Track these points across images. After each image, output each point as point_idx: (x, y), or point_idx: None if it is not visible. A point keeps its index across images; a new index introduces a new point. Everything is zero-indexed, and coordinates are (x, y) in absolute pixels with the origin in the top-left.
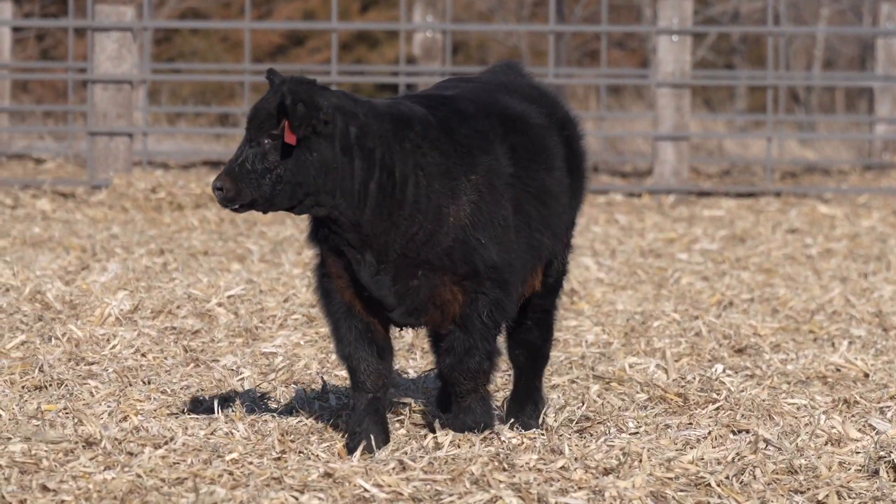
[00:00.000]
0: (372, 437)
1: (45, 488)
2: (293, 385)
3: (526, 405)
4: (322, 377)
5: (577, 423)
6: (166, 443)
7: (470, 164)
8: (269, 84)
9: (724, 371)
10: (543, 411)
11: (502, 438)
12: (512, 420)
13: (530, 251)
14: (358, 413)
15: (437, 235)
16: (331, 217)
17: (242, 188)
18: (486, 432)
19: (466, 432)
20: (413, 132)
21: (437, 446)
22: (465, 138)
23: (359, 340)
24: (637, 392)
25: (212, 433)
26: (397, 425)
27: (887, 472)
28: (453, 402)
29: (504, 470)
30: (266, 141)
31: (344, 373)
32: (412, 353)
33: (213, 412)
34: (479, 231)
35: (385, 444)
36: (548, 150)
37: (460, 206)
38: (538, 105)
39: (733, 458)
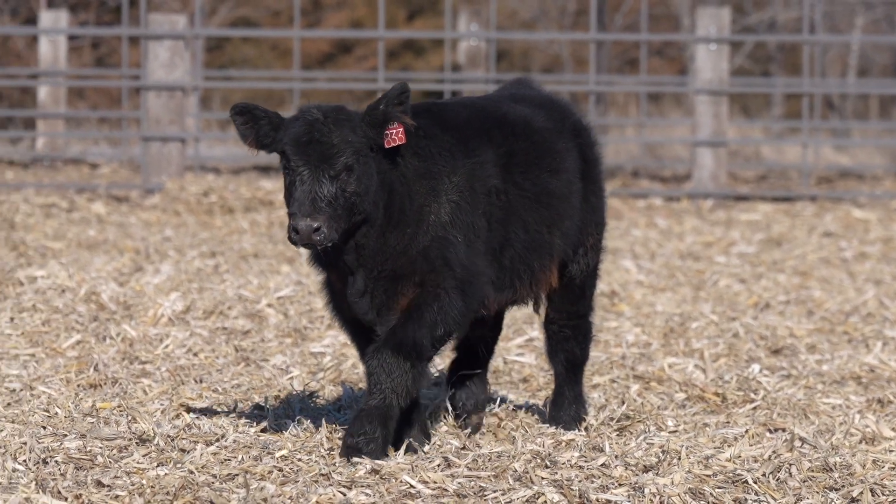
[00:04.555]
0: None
1: (99, 484)
2: (341, 384)
3: (567, 408)
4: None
5: (617, 421)
6: (217, 440)
7: (452, 166)
8: (246, 120)
9: (760, 371)
10: (585, 413)
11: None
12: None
13: (534, 251)
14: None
15: (416, 238)
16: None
17: (334, 225)
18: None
19: (352, 439)
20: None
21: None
22: (446, 142)
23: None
24: (676, 391)
25: (262, 430)
26: (441, 424)
27: None
28: (364, 396)
29: (546, 467)
30: (344, 174)
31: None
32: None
33: (263, 410)
34: (456, 230)
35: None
36: (554, 154)
37: (441, 204)
38: (547, 112)
39: (770, 456)
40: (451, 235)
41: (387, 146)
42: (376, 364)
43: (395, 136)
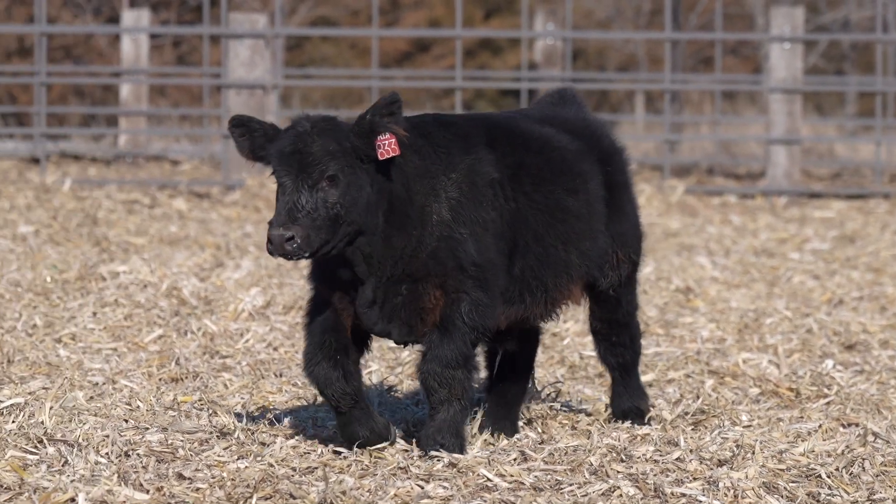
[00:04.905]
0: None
1: (180, 476)
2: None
3: (627, 401)
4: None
5: (692, 416)
6: (297, 433)
7: (449, 163)
8: (242, 132)
9: (834, 366)
10: (644, 404)
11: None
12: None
13: (548, 266)
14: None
15: (423, 240)
16: (346, 254)
17: (312, 236)
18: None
19: (429, 450)
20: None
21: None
22: (443, 140)
23: (328, 362)
24: (750, 386)
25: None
26: (521, 422)
27: None
28: (428, 411)
29: (622, 461)
30: (325, 184)
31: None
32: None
33: None
34: (461, 226)
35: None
36: (574, 175)
37: (441, 203)
38: (575, 134)
39: (843, 451)
40: (457, 233)
41: (381, 157)
42: (431, 379)
43: (389, 147)
